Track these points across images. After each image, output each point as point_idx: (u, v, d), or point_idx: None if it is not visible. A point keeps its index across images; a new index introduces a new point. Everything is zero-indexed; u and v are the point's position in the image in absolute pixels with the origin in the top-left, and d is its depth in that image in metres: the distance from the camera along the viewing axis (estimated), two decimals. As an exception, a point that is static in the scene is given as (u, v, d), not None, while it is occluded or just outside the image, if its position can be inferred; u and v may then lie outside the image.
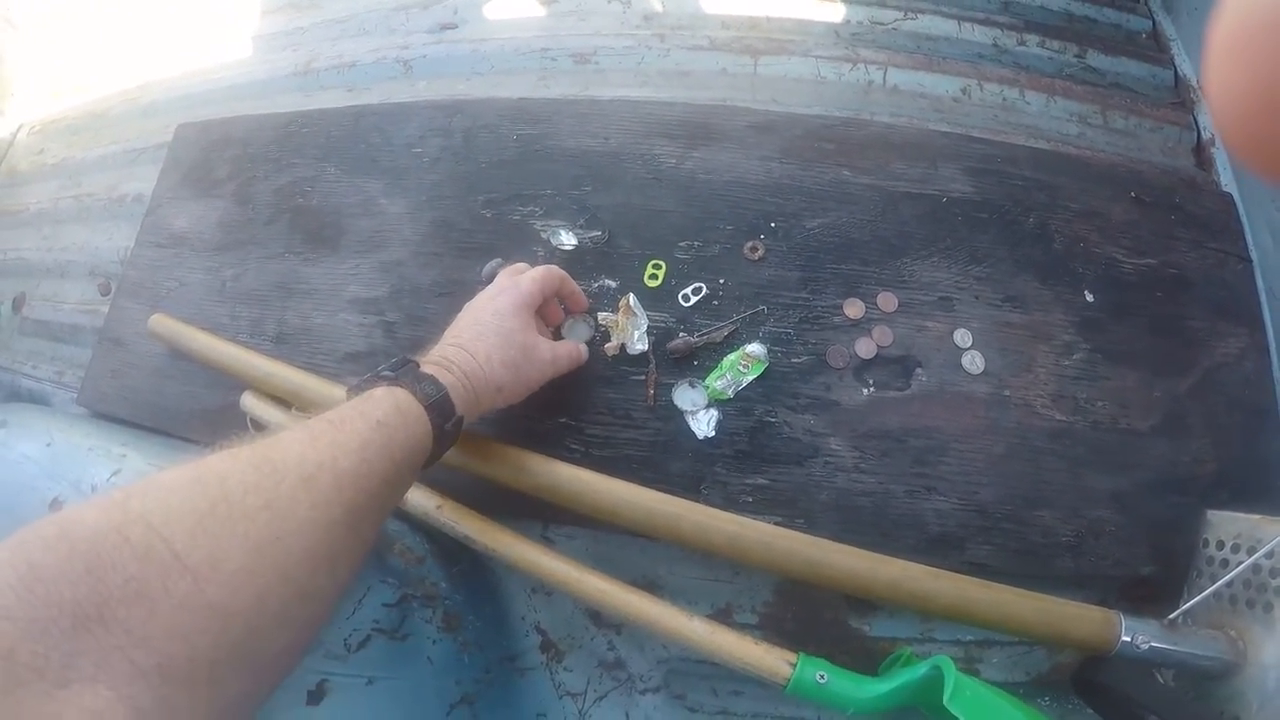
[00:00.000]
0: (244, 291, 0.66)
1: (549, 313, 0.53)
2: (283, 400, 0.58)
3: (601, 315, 0.55)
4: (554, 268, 0.51)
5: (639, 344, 0.54)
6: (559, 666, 0.54)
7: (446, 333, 0.47)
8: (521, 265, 0.52)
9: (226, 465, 0.31)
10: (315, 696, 0.45)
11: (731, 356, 0.54)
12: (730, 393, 0.53)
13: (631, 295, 0.55)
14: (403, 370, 0.42)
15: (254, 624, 0.28)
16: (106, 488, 0.50)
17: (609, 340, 0.54)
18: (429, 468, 0.42)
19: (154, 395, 0.66)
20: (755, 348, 0.54)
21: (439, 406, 0.40)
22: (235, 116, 0.78)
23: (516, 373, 0.46)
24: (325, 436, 0.34)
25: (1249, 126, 0.10)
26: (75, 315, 0.82)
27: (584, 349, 0.53)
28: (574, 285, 0.53)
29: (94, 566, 0.24)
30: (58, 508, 0.49)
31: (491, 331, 0.45)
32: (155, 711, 0.24)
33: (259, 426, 0.58)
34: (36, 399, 0.79)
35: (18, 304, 0.89)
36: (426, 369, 0.42)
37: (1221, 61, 0.10)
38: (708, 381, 0.53)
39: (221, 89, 0.87)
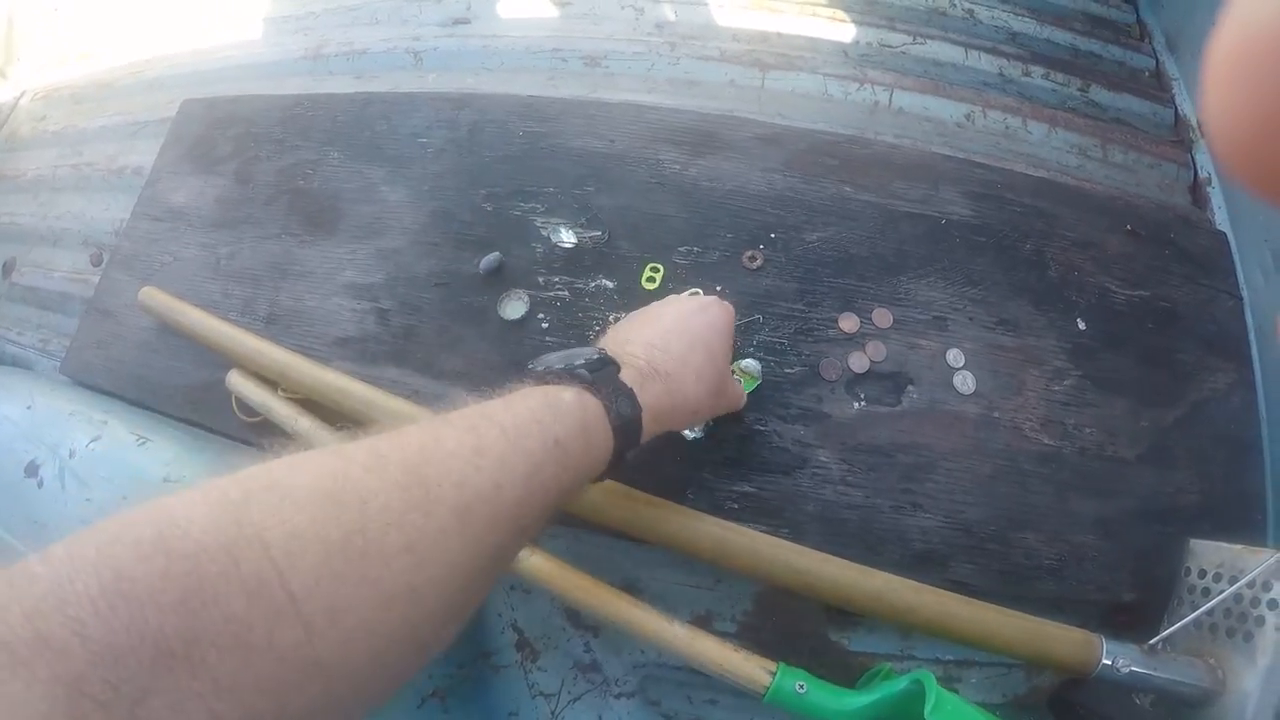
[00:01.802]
0: (238, 270, 0.66)
1: None
2: (269, 380, 0.57)
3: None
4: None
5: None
6: (533, 666, 0.53)
7: (643, 327, 0.40)
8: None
9: (371, 482, 0.25)
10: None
11: None
12: None
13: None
14: (601, 373, 0.35)
15: (360, 683, 0.24)
16: (85, 454, 0.49)
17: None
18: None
19: (139, 368, 0.65)
20: (750, 364, 0.54)
21: (627, 429, 0.34)
22: (241, 95, 0.78)
23: (714, 402, 0.40)
24: (493, 452, 0.28)
25: (1250, 152, 0.10)
26: (65, 284, 0.81)
27: (744, 395, 0.49)
28: None
29: (191, 595, 0.20)
30: (33, 471, 0.48)
31: (702, 346, 0.39)
32: None
33: (244, 405, 0.58)
34: (20, 365, 0.78)
35: (7, 269, 0.87)
36: (627, 375, 0.36)
37: (1221, 86, 0.10)
38: None
39: (229, 68, 0.87)
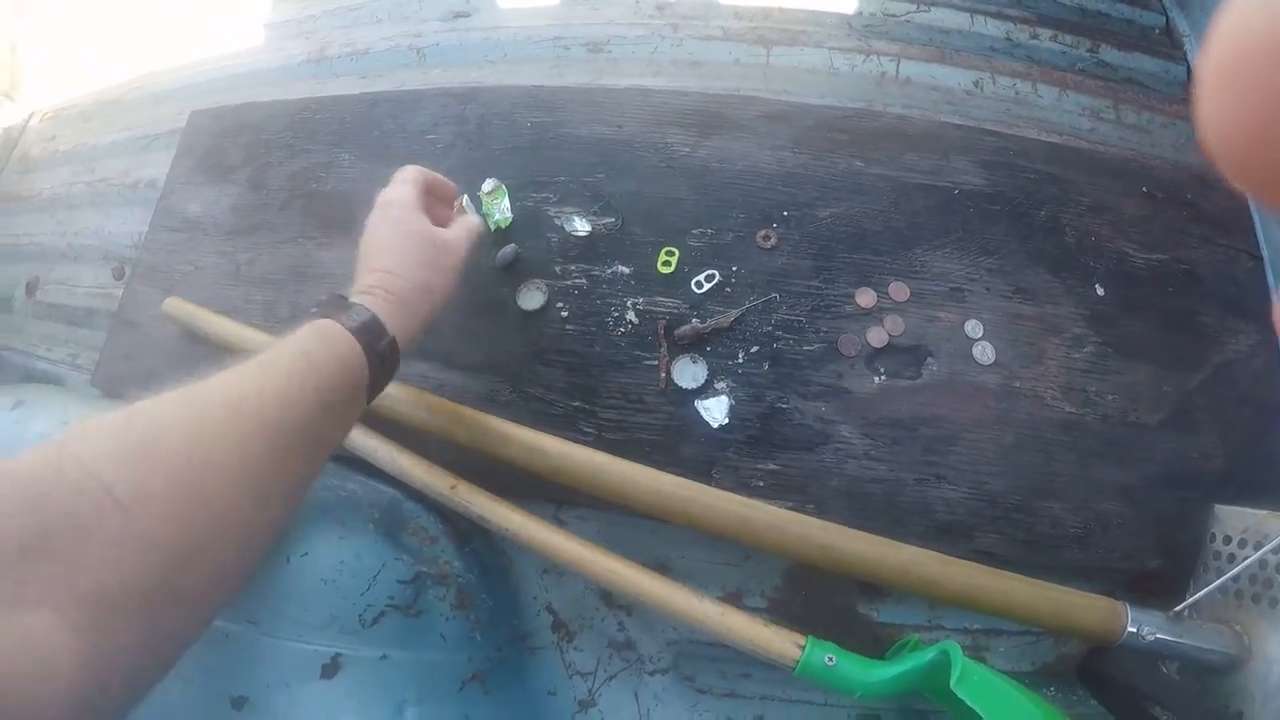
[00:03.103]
0: (258, 276, 0.67)
1: (436, 216, 0.52)
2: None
3: None
4: (410, 167, 0.51)
5: None
6: (570, 646, 0.55)
7: (356, 268, 0.47)
8: (386, 191, 0.51)
9: (157, 406, 0.32)
10: (329, 671, 0.46)
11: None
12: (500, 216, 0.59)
13: (465, 195, 0.57)
14: (327, 304, 0.41)
15: (180, 553, 0.29)
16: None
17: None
18: (375, 398, 0.42)
19: (168, 377, 0.66)
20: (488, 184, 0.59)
21: (367, 329, 0.40)
22: (248, 103, 0.79)
23: (436, 267, 0.46)
24: (252, 371, 0.35)
25: (1243, 158, 0.10)
26: (89, 299, 0.82)
27: (474, 220, 0.54)
28: (437, 175, 0.53)
29: (34, 499, 0.27)
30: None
31: (396, 242, 0.46)
32: (93, 632, 0.26)
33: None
34: (51, 381, 0.79)
35: (31, 288, 0.89)
36: (352, 298, 0.43)
37: (1213, 93, 0.10)
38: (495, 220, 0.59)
39: (233, 76, 0.87)
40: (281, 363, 0.36)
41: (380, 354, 0.40)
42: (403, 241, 0.46)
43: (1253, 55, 0.10)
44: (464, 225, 0.52)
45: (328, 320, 0.39)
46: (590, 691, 0.53)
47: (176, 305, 0.66)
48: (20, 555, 0.25)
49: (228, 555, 0.32)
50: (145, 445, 0.30)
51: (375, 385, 0.41)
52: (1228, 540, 0.49)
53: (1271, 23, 0.09)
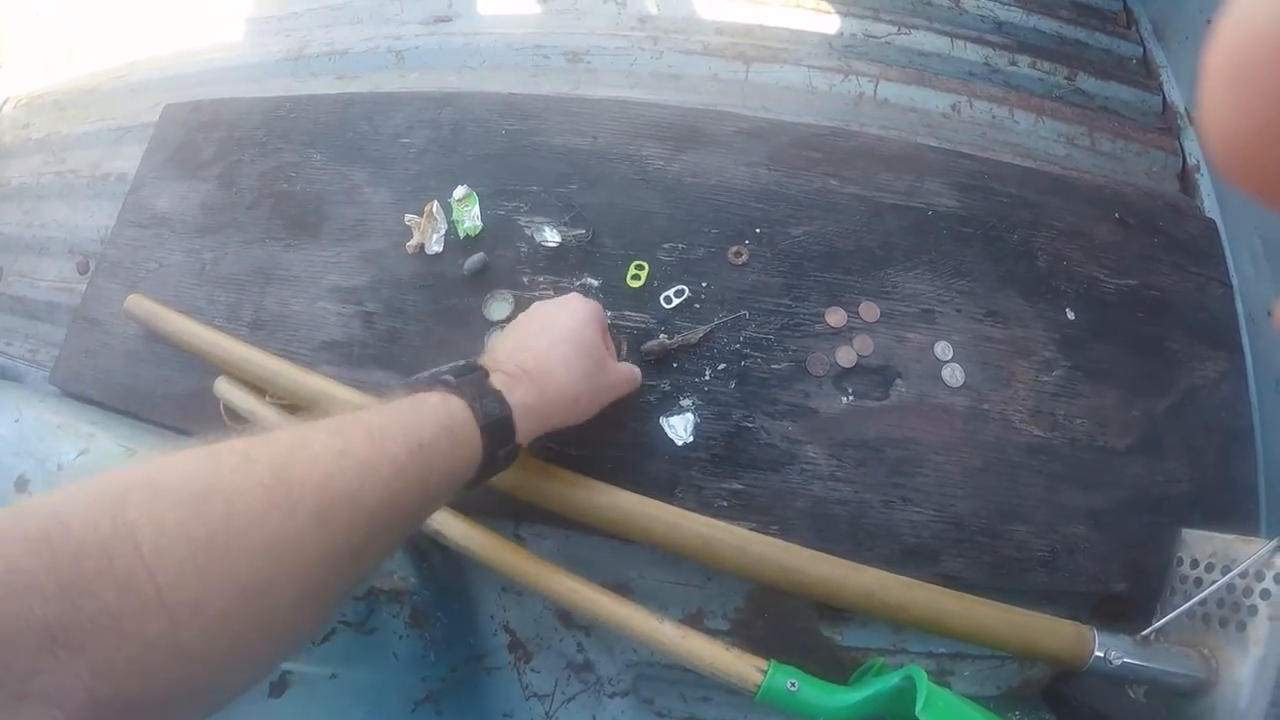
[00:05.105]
0: (223, 275, 0.65)
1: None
2: (257, 387, 0.57)
3: (408, 217, 0.60)
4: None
5: (436, 245, 0.59)
6: (527, 667, 0.53)
7: (511, 335, 0.42)
8: (569, 296, 0.48)
9: (238, 480, 0.27)
10: (277, 689, 0.44)
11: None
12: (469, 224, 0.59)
13: (435, 201, 0.60)
14: (467, 377, 0.36)
15: (221, 669, 0.26)
16: (73, 467, 0.49)
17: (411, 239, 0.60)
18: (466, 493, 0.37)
19: (127, 377, 0.65)
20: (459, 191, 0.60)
21: (497, 429, 0.35)
22: (223, 98, 0.77)
23: (594, 386, 0.41)
24: (358, 454, 0.29)
25: (1247, 156, 0.10)
26: (52, 293, 0.80)
27: (638, 373, 0.49)
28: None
29: (70, 587, 0.23)
30: (23, 485, 0.48)
31: (567, 338, 0.40)
32: None
33: (232, 413, 0.57)
34: (8, 376, 0.77)
35: (-7, 280, 0.87)
36: (495, 380, 0.37)
37: (1218, 89, 0.10)
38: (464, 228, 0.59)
39: (211, 70, 0.86)
40: (392, 456, 0.30)
41: (498, 459, 0.36)
42: (577, 346, 0.40)
43: (1260, 53, 0.09)
44: (630, 370, 0.47)
45: (461, 405, 0.34)
46: (547, 714, 0.52)
47: (138, 303, 0.65)
48: (41, 648, 0.22)
49: (269, 662, 0.29)
50: (215, 542, 0.25)
51: (473, 485, 0.36)
52: (1195, 564, 0.48)
53: (1276, 18, 0.09)
